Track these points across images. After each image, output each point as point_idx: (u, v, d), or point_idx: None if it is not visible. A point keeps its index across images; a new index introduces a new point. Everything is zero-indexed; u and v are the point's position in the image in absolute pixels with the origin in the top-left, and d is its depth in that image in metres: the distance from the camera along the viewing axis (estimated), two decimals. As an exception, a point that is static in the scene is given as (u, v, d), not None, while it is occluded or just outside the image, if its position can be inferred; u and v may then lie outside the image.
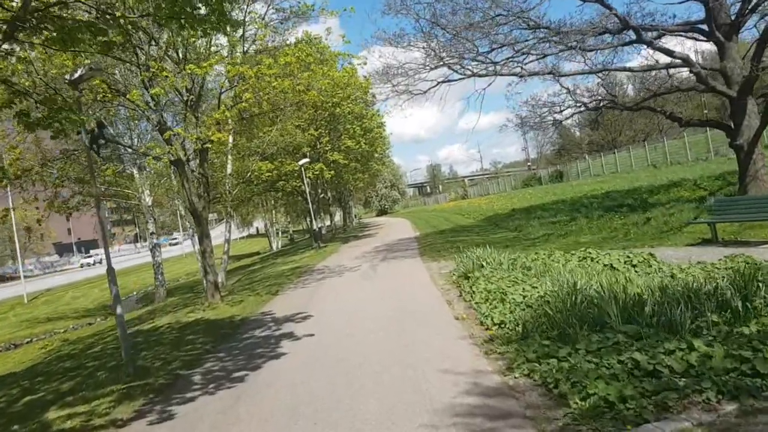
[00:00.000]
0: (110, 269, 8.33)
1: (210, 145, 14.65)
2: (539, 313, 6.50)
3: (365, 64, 25.33)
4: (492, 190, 73.02)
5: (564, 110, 22.47)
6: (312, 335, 8.55)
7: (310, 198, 29.73)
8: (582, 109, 22.73)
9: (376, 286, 12.43)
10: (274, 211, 52.08)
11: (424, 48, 16.52)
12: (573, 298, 6.39)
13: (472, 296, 8.91)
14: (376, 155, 41.57)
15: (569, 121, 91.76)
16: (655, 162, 40.87)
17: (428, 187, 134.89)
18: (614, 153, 48.88)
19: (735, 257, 8.41)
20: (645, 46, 15.90)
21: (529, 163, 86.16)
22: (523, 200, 36.18)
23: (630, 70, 15.73)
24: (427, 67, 16.41)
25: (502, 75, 16.37)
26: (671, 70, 17.69)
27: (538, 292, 7.78)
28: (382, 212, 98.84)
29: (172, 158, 13.81)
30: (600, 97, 21.71)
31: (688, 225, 13.52)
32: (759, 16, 15.16)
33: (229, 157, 20.39)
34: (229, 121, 18.18)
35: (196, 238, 17.73)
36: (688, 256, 9.69)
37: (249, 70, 13.47)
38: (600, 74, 17.25)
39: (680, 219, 14.50)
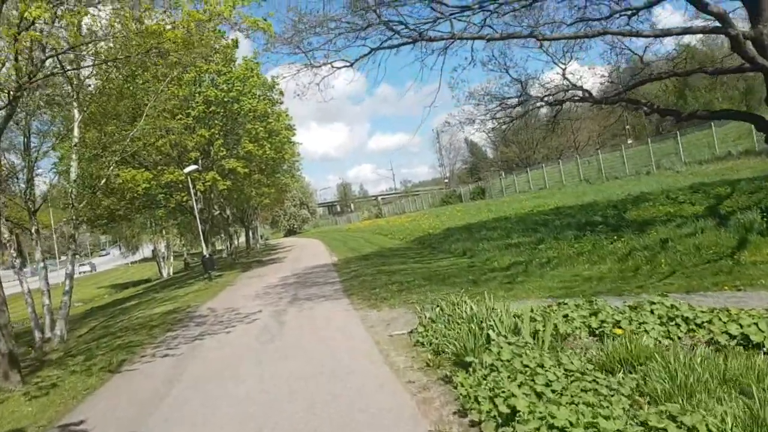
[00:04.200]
0: None
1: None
2: None
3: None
4: (408, 209, 69.14)
5: (518, 105, 18.30)
6: None
7: (200, 216, 23.72)
8: (539, 104, 18.67)
9: (283, 368, 7.07)
10: (164, 232, 44.83)
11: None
12: None
13: None
14: (285, 166, 36.02)
15: (480, 139, 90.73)
16: (587, 177, 38.22)
17: (338, 206, 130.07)
18: (541, 168, 46.32)
19: None
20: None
21: (446, 180, 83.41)
22: (452, 218, 31.94)
23: (639, 34, 11.54)
24: (357, 26, 11.40)
25: (462, 38, 11.67)
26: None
27: None
28: (290, 232, 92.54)
29: None
30: (566, 88, 17.72)
31: (739, 250, 9.36)
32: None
33: (74, 156, 14.29)
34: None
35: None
36: None
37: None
38: (603, 38, 13.06)
39: (715, 241, 10.36)
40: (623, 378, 4.46)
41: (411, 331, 7.63)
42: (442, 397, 5.07)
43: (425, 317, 7.32)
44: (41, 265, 13.73)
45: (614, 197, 22.51)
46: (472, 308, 6.48)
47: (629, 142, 52.63)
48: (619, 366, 4.78)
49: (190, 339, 10.31)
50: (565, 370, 4.59)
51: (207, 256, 22.85)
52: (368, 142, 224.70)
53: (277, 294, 14.72)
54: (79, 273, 72.24)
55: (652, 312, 6.01)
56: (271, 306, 12.66)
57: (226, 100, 23.70)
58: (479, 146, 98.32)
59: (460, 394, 4.77)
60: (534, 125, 23.37)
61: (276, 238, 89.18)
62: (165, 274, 47.48)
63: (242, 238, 53.23)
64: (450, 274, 12.96)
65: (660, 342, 5.47)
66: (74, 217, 14.32)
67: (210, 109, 23.80)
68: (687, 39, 28.05)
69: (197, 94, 23.81)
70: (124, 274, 73.48)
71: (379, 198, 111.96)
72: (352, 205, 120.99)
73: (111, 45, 9.25)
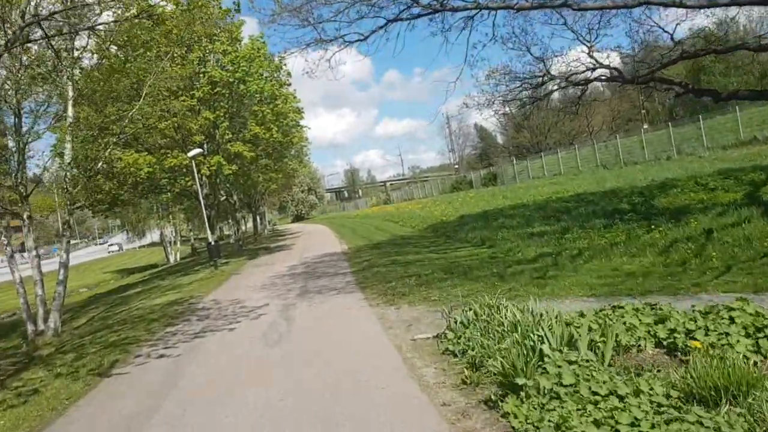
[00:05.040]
0: None
1: None
2: None
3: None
4: (417, 195, 68.04)
5: (542, 85, 17.21)
6: None
7: (205, 202, 22.79)
8: (564, 84, 17.56)
9: (291, 380, 6.13)
10: (170, 217, 44.01)
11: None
12: None
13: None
14: (292, 151, 34.99)
15: (490, 124, 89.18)
16: (604, 162, 36.99)
17: (346, 192, 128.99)
18: (555, 153, 45.01)
19: None
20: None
21: (456, 166, 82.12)
22: (466, 205, 30.84)
23: (682, 5, 10.39)
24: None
25: (488, 8, 10.58)
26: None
27: None
28: (298, 218, 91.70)
29: None
30: (593, 66, 16.61)
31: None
32: None
33: (67, 137, 13.34)
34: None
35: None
36: None
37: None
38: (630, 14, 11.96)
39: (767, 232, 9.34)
40: (728, 414, 3.48)
41: (437, 336, 6.67)
42: (488, 429, 4.10)
43: (454, 320, 6.35)
44: (33, 253, 12.87)
45: (638, 183, 21.39)
46: (514, 314, 5.48)
47: (645, 127, 51.21)
48: (714, 394, 3.80)
49: (190, 336, 9.41)
50: (651, 401, 3.62)
51: (212, 243, 21.94)
52: (375, 127, 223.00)
53: (285, 285, 13.80)
54: (108, 252, 75.83)
55: (732, 320, 5.01)
56: (279, 299, 11.74)
57: (231, 80, 22.64)
58: (489, 132, 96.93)
59: (513, 427, 3.81)
60: (548, 109, 22.35)
61: (283, 224, 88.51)
62: (172, 260, 46.83)
63: (250, 224, 52.42)
64: (471, 266, 11.96)
65: (748, 359, 4.48)
66: (69, 202, 13.42)
67: (215, 91, 22.76)
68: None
69: (202, 75, 22.79)
70: (131, 258, 73.04)
71: (388, 184, 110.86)
72: (359, 191, 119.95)
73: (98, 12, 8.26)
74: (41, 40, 9.36)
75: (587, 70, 16.80)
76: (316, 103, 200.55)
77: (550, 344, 4.84)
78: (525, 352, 4.64)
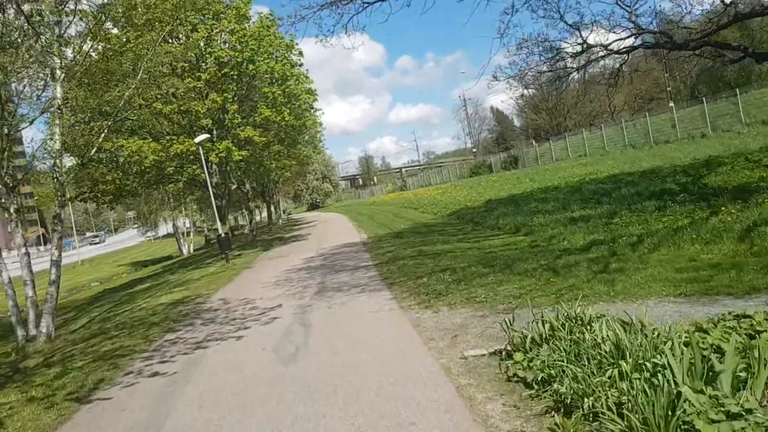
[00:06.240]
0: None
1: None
2: None
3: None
4: (434, 180, 66.39)
5: (580, 54, 15.57)
6: None
7: (215, 191, 21.43)
8: (604, 53, 15.91)
9: (314, 411, 4.71)
10: (183, 208, 42.87)
11: None
12: None
13: None
14: (306, 137, 33.52)
15: (508, 107, 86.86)
16: (633, 142, 35.12)
17: (361, 180, 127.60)
18: (579, 134, 43.15)
19: None
20: None
21: (474, 150, 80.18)
22: (490, 189, 29.25)
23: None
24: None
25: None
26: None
27: None
28: (313, 206, 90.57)
29: None
30: (635, 31, 14.98)
31: None
32: None
33: (57, 121, 11.98)
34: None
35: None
36: None
37: None
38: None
39: None
40: None
41: (495, 352, 5.22)
42: None
43: (522, 336, 4.87)
44: (23, 250, 11.58)
45: (677, 162, 19.80)
46: (615, 330, 3.98)
47: (671, 104, 49.05)
48: None
49: (191, 347, 8.04)
50: None
51: (223, 235, 20.58)
52: (389, 114, 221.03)
53: (300, 281, 12.40)
54: (90, 244, 74.67)
55: None
56: (294, 299, 10.34)
57: (239, 60, 21.17)
58: (506, 115, 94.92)
59: None
60: (585, 82, 20.74)
61: (298, 212, 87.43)
62: (185, 252, 45.76)
63: (264, 213, 51.19)
64: (512, 257, 10.45)
65: None
66: (59, 194, 12.09)
67: (223, 72, 21.30)
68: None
69: (208, 55, 21.35)
70: (146, 250, 72.35)
71: (403, 170, 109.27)
72: (375, 178, 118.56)
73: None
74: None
75: (630, 36, 15.16)
76: (328, 90, 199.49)
77: (683, 379, 3.35)
78: (655, 397, 3.13)
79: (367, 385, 5.04)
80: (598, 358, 3.90)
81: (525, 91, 71.07)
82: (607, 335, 3.97)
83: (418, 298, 8.35)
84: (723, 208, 10.38)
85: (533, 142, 57.22)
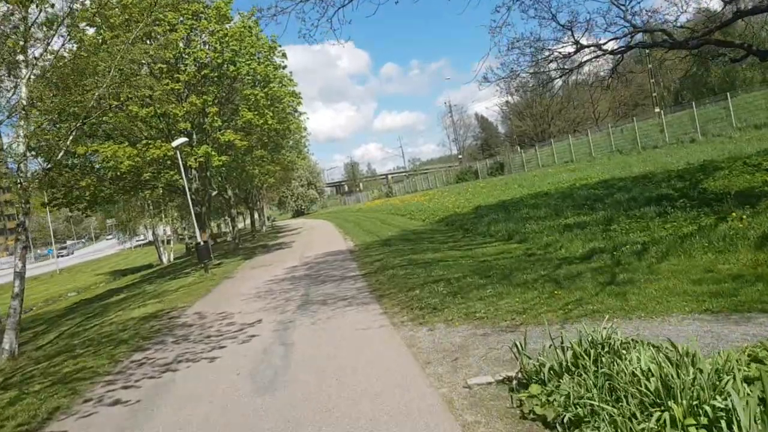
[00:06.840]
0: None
1: None
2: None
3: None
4: (420, 187, 65.80)
5: (574, 54, 15.06)
6: None
7: (194, 197, 20.55)
8: (598, 53, 15.40)
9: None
10: (162, 215, 41.75)
11: None
12: None
13: None
14: (290, 142, 32.71)
15: (492, 113, 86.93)
16: (620, 148, 34.81)
17: (347, 186, 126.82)
18: (565, 140, 42.86)
19: None
20: None
21: (460, 157, 79.86)
22: (478, 195, 28.63)
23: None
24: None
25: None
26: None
27: None
28: (298, 213, 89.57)
29: None
30: (631, 32, 14.49)
31: None
32: None
33: (21, 123, 11.12)
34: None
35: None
36: None
37: None
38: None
39: None
40: None
41: (504, 380, 4.51)
42: None
43: (538, 365, 4.17)
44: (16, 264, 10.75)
45: (670, 167, 19.35)
46: (658, 360, 3.29)
47: (657, 110, 49.00)
48: None
49: (159, 369, 7.24)
50: None
51: (201, 243, 19.69)
52: (374, 121, 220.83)
53: (283, 293, 11.62)
54: (57, 256, 71.33)
55: None
56: (275, 313, 9.57)
57: (220, 62, 20.36)
58: (490, 121, 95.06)
59: None
60: (578, 84, 20.32)
61: (283, 219, 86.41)
62: (165, 260, 44.59)
63: (248, 220, 50.21)
64: (509, 267, 9.78)
65: None
66: (23, 200, 11.21)
67: (202, 73, 20.47)
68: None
69: (187, 56, 20.53)
70: (126, 259, 70.77)
71: (389, 177, 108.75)
72: (360, 185, 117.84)
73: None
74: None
75: (627, 34, 14.65)
76: (314, 97, 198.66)
77: (749, 427, 2.66)
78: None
79: (358, 425, 4.30)
80: (638, 396, 3.20)
81: (510, 98, 71.08)
82: (649, 368, 3.27)
83: (411, 313, 7.63)
84: (732, 214, 9.82)
85: (518, 148, 56.94)
